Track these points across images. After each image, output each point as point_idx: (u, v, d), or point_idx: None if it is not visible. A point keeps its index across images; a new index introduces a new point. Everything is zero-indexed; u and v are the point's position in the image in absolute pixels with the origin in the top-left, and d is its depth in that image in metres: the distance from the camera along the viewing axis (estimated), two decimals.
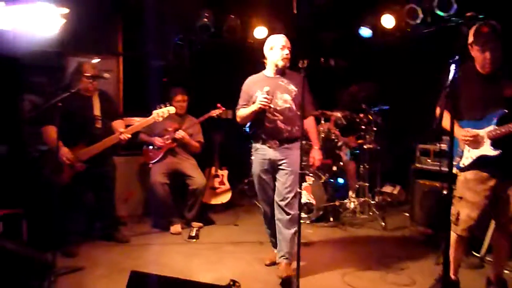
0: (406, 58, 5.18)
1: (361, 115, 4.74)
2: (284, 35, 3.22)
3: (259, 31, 5.47)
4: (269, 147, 3.14)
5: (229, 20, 5.33)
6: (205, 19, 5.14)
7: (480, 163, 2.60)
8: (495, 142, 2.51)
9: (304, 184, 4.59)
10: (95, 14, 4.79)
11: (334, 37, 5.86)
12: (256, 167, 3.24)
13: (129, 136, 3.67)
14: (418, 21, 4.65)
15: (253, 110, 3.09)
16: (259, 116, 3.13)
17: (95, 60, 5.01)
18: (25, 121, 3.94)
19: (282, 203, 3.15)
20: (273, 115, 3.10)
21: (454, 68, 1.94)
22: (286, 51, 3.13)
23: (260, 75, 3.27)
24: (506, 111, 2.48)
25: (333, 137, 4.79)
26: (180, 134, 4.29)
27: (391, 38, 5.18)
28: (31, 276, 2.76)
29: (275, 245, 3.40)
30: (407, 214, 4.73)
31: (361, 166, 4.88)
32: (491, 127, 2.53)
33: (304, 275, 3.04)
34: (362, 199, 4.82)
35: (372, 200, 4.86)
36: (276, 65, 3.16)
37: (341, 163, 5.08)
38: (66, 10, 4.42)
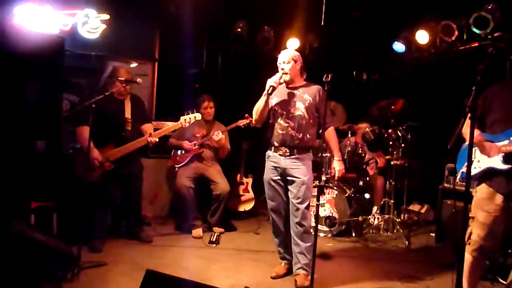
0: (440, 75, 5.07)
1: (390, 130, 4.67)
2: (288, 50, 3.33)
3: (292, 42, 5.53)
4: (280, 155, 3.18)
5: (263, 31, 5.42)
6: (239, 29, 5.26)
7: (488, 176, 2.55)
8: (507, 156, 2.46)
9: (327, 197, 4.57)
10: (134, 20, 5.00)
11: (367, 51, 5.83)
12: (267, 174, 3.29)
13: (157, 139, 3.81)
14: (453, 38, 4.56)
15: (264, 94, 3.15)
16: (273, 122, 3.23)
17: (133, 65, 5.24)
18: (62, 120, 4.15)
19: (296, 214, 3.17)
20: (285, 122, 3.16)
21: (475, 89, 1.91)
22: (282, 66, 3.17)
23: (280, 86, 3.24)
24: None
25: (360, 151, 4.74)
26: (218, 135, 4.35)
27: (425, 54, 5.09)
28: (56, 266, 2.91)
29: (282, 257, 3.45)
30: (432, 234, 4.62)
31: (387, 183, 4.80)
32: (506, 142, 2.48)
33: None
34: (386, 216, 4.73)
35: (398, 218, 4.76)
36: (283, 81, 3.19)
37: (367, 178, 5.03)
38: (107, 16, 4.67)
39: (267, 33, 5.42)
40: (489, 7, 4.10)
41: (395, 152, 4.68)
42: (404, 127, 4.64)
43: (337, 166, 3.33)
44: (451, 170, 4.23)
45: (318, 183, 2.86)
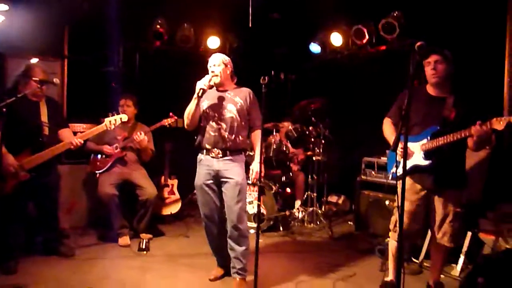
0: (354, 75, 5.47)
1: (311, 128, 4.92)
2: (219, 54, 3.27)
3: (212, 41, 5.50)
4: (212, 157, 3.13)
5: (183, 29, 5.30)
6: (158, 26, 5.07)
7: (413, 172, 2.85)
8: (428, 153, 2.79)
9: (255, 195, 4.65)
10: (39, 12, 4.50)
11: (284, 52, 6.04)
12: (199, 179, 3.21)
13: (82, 141, 3.51)
14: (364, 41, 4.95)
15: (194, 97, 3.09)
16: (204, 125, 3.18)
17: (33, 60, 4.72)
18: None
19: (231, 218, 3.11)
20: (217, 124, 3.13)
21: (407, 94, 2.13)
22: (212, 69, 3.15)
23: (211, 90, 3.22)
24: (438, 127, 2.77)
25: (284, 149, 4.91)
26: (140, 136, 4.13)
27: (339, 55, 5.45)
28: None
29: (219, 262, 3.43)
30: (350, 223, 4.99)
31: (310, 177, 5.05)
32: (425, 140, 2.81)
33: (259, 285, 3.05)
34: (310, 209, 4.98)
35: (320, 210, 5.04)
36: (213, 83, 3.17)
37: (291, 174, 5.24)
38: (6, 7, 4.14)
39: (187, 31, 5.31)
40: (395, 14, 4.54)
41: (316, 148, 4.95)
42: (323, 124, 4.92)
43: (255, 168, 3.19)
44: (367, 163, 4.61)
45: (258, 183, 2.88)
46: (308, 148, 5.08)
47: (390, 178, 2.98)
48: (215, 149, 3.13)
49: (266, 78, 2.82)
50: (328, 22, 5.28)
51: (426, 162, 2.79)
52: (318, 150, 4.94)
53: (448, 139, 2.67)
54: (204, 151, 3.18)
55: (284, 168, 5.06)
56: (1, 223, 3.18)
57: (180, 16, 5.30)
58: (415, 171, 2.84)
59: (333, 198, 5.62)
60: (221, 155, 3.13)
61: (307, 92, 5.59)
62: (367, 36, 4.87)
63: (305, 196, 5.20)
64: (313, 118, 4.90)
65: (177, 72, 5.48)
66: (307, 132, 4.93)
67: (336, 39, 5.23)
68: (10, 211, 3.28)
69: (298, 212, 5.06)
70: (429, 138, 2.78)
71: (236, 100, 3.20)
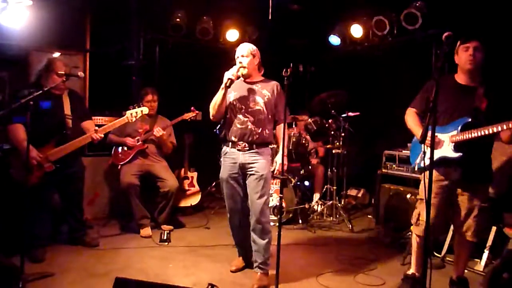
0: (374, 66, 5.39)
1: (330, 120, 4.88)
2: (247, 43, 3.21)
3: (231, 34, 5.50)
4: (238, 150, 3.10)
5: (202, 22, 5.31)
6: (178, 19, 5.09)
7: (439, 164, 2.76)
8: (457, 146, 2.70)
9: (274, 187, 4.65)
10: (62, 7, 4.57)
11: (303, 43, 5.99)
12: (225, 172, 3.18)
13: (102, 135, 3.57)
14: (385, 32, 4.87)
15: (221, 87, 3.05)
16: (230, 117, 3.14)
17: (56, 54, 4.79)
18: None
19: (254, 211, 3.09)
20: (244, 116, 3.09)
21: (435, 85, 2.07)
22: (240, 60, 3.11)
23: (238, 81, 3.21)
24: (470, 119, 2.67)
25: (303, 141, 4.89)
26: (159, 132, 4.19)
27: (359, 47, 5.37)
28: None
29: (240, 254, 3.44)
30: (370, 216, 4.95)
31: (329, 170, 5.02)
32: (455, 132, 2.71)
33: (281, 278, 3.06)
34: (329, 202, 4.96)
35: (339, 203, 5.02)
36: (241, 74, 3.15)
37: (310, 167, 5.22)
38: (30, 2, 4.20)
39: (207, 23, 5.32)
40: (417, 4, 4.45)
41: (336, 142, 4.91)
42: (343, 117, 4.88)
43: (279, 160, 3.15)
44: (388, 156, 4.55)
45: (281, 176, 2.86)
46: (328, 141, 5.04)
47: (416, 169, 2.91)
48: (241, 142, 3.09)
49: (288, 70, 2.79)
50: (348, 14, 5.21)
51: (456, 155, 2.69)
52: (337, 143, 4.90)
53: (482, 132, 2.55)
54: (230, 143, 3.14)
55: (303, 161, 5.04)
56: (28, 213, 3.26)
57: (200, 9, 5.31)
58: (442, 163, 2.76)
59: (352, 192, 5.59)
60: (247, 148, 3.10)
61: (326, 84, 5.54)
62: (388, 27, 4.79)
63: (324, 189, 5.18)
64: (332, 111, 4.85)
65: (196, 64, 5.51)
66: (326, 125, 4.89)
67: (356, 30, 5.16)
68: (36, 201, 3.35)
69: (317, 205, 5.05)
70: (459, 129, 2.69)
71: (264, 92, 3.16)
